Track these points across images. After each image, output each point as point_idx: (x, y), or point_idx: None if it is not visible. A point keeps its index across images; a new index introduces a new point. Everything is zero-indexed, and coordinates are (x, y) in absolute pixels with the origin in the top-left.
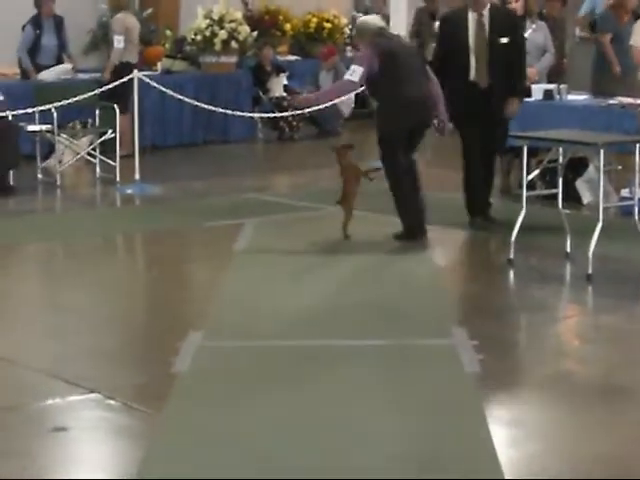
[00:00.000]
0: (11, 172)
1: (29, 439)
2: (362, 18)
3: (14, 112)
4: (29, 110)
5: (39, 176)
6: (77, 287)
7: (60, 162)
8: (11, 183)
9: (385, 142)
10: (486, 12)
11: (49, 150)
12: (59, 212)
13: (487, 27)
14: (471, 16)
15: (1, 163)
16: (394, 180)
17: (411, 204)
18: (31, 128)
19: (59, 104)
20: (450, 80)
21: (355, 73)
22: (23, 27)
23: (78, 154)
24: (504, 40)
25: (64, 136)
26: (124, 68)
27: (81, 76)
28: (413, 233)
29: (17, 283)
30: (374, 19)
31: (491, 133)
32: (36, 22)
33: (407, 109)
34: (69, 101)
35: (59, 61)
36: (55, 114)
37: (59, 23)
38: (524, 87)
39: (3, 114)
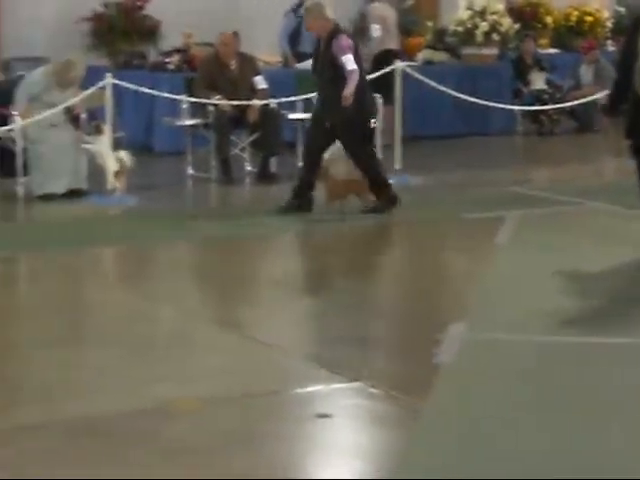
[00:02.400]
0: (273, 159)
1: (293, 424)
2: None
3: (277, 100)
4: (291, 98)
5: (299, 164)
6: (336, 273)
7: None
8: (272, 170)
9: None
10: None
11: None
12: None
13: None
14: None
15: (263, 150)
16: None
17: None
18: (292, 116)
19: None
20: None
21: (351, 62)
22: (284, 15)
23: None
24: None
25: None
26: (384, 57)
27: None
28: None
29: (272, 270)
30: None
31: None
32: (298, 10)
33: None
34: None
35: None
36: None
37: None
38: None
39: (266, 102)
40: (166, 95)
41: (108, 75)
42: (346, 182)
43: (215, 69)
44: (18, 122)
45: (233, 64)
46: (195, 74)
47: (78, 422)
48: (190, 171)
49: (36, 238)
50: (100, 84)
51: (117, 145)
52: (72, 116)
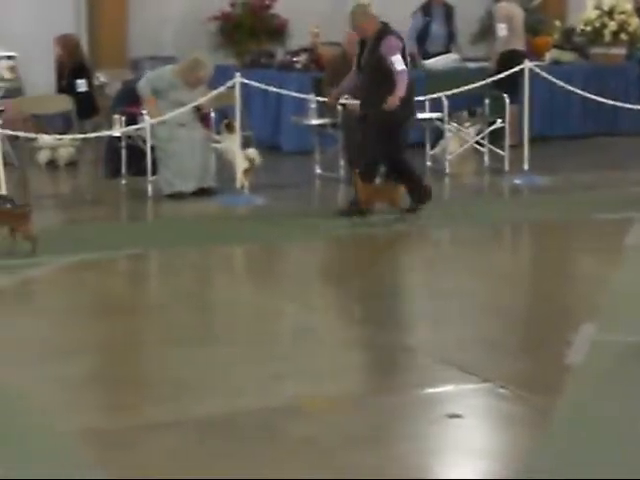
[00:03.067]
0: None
1: (423, 423)
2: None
3: None
4: (420, 98)
5: (428, 163)
6: (464, 274)
7: (448, 150)
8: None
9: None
10: None
11: (436, 138)
12: (446, 200)
13: None
14: None
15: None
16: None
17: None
18: (421, 116)
19: (449, 93)
20: None
21: (400, 62)
22: (413, 14)
23: (466, 143)
24: None
25: (453, 124)
26: (510, 56)
27: (469, 65)
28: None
29: (400, 270)
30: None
31: None
32: (426, 10)
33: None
34: (459, 90)
35: (446, 50)
36: (445, 102)
37: (449, 11)
38: None
39: None
40: (294, 94)
41: (237, 74)
42: (377, 188)
43: (343, 68)
44: (147, 121)
45: None
46: (322, 73)
47: (209, 420)
48: (318, 170)
49: (165, 236)
50: (229, 83)
51: (246, 143)
52: (201, 115)
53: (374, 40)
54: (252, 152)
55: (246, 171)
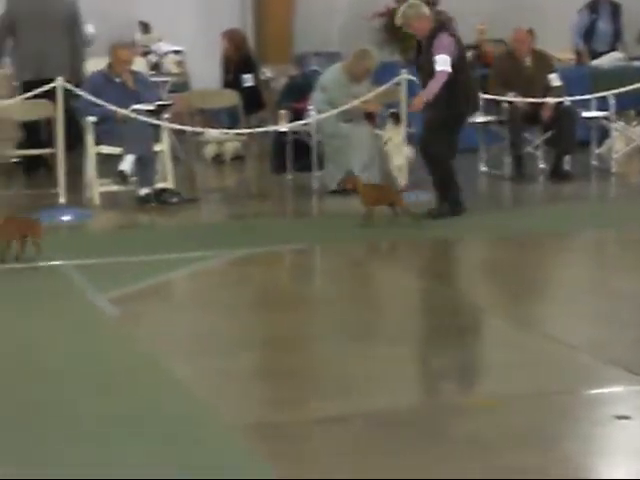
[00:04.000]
0: (566, 158)
1: (589, 424)
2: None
3: (571, 98)
4: (586, 96)
5: (593, 162)
6: (633, 273)
7: (614, 149)
8: (566, 169)
9: (446, 125)
10: None
11: (602, 137)
12: (612, 199)
13: None
14: None
15: (557, 148)
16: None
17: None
18: (587, 114)
19: (616, 91)
20: None
21: (446, 62)
22: (579, 11)
23: (632, 142)
24: None
25: (619, 123)
26: None
27: (635, 64)
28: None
29: (569, 269)
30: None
31: None
32: (592, 7)
33: (470, 95)
34: (625, 89)
35: (612, 48)
36: (612, 101)
37: (616, 9)
38: None
39: (561, 99)
40: None
41: (403, 71)
42: (378, 189)
43: (510, 66)
44: (313, 116)
45: (528, 61)
46: (488, 70)
47: (374, 416)
48: (483, 168)
49: (330, 232)
50: (395, 80)
51: (409, 140)
52: (367, 111)
53: (428, 39)
54: (409, 150)
55: (400, 167)
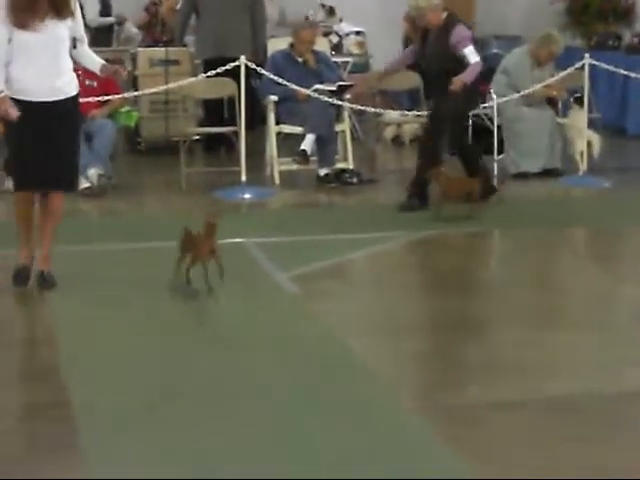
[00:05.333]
0: None
1: None
2: None
3: None
4: None
5: None
6: None
7: None
8: None
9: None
10: None
11: None
12: None
13: None
14: None
15: None
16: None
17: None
18: None
19: None
20: None
21: (475, 54)
22: None
23: None
24: None
25: None
26: None
27: None
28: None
29: None
30: None
31: None
32: None
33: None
34: None
35: None
36: None
37: None
38: None
39: None
40: None
41: (586, 55)
42: (460, 181)
43: None
44: (494, 100)
45: None
46: None
47: (552, 402)
48: None
49: (509, 215)
50: (578, 64)
51: (591, 126)
52: (549, 96)
53: (441, 30)
54: (592, 135)
55: (582, 153)
